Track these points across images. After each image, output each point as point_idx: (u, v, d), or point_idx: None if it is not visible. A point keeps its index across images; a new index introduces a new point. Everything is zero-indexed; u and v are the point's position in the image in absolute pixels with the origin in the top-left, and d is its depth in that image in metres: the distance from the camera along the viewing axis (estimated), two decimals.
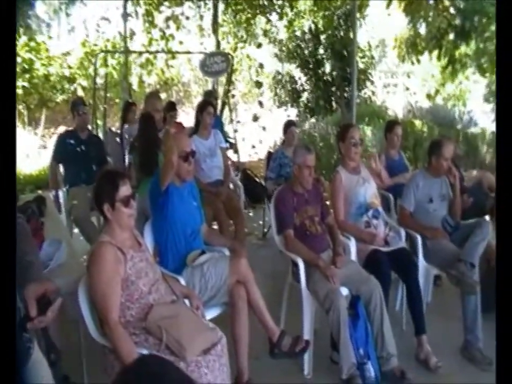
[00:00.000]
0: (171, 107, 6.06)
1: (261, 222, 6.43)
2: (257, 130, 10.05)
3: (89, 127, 5.80)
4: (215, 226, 4.73)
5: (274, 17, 12.04)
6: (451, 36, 10.45)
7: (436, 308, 4.07)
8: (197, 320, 2.62)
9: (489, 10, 9.56)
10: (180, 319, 2.51)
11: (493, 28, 9.66)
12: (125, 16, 9.68)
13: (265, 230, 6.20)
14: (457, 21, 10.10)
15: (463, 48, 10.83)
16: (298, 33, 12.39)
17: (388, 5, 10.27)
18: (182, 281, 3.01)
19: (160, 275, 2.74)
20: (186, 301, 2.84)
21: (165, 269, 3.04)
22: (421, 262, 3.88)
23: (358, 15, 9.59)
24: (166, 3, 10.78)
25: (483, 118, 16.46)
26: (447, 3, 10.21)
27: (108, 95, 10.17)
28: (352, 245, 3.70)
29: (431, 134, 11.90)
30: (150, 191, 3.31)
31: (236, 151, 7.56)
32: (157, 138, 4.36)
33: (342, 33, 11.85)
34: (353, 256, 3.67)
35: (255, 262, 4.26)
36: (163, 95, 13.38)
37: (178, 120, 6.40)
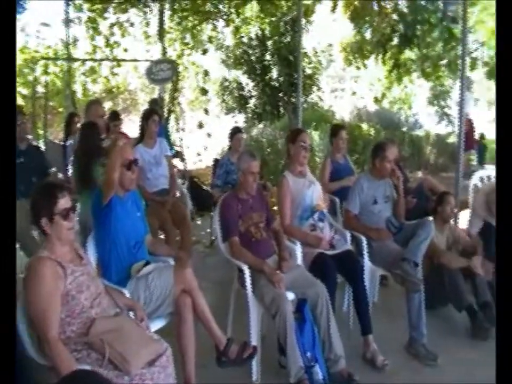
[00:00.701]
0: (115, 117, 5.93)
1: (208, 230, 6.39)
2: (204, 137, 10.02)
3: (30, 137, 5.62)
4: (162, 236, 4.68)
5: (221, 23, 12.08)
6: (395, 41, 10.74)
7: (382, 307, 4.15)
8: (141, 332, 2.57)
9: (431, 18, 9.91)
10: (123, 332, 2.46)
11: (434, 34, 10.01)
12: (67, 22, 9.44)
13: (213, 238, 6.12)
14: (401, 27, 10.40)
15: (407, 53, 11.15)
16: (245, 39, 12.44)
17: (333, 9, 10.45)
18: (127, 294, 2.95)
19: (103, 288, 2.68)
20: (131, 313, 2.79)
21: (109, 281, 2.96)
22: (366, 263, 3.95)
23: (304, 21, 9.73)
24: (111, 9, 10.62)
25: (427, 120, 17.00)
26: (390, 10, 10.50)
27: (51, 103, 9.91)
28: (298, 249, 3.73)
29: (378, 137, 12.17)
30: (93, 204, 3.22)
31: (183, 159, 7.50)
32: (99, 147, 4.27)
33: (288, 39, 11.98)
34: (299, 260, 3.69)
35: (202, 270, 4.25)
36: (109, 104, 13.15)
37: (125, 129, 6.30)
